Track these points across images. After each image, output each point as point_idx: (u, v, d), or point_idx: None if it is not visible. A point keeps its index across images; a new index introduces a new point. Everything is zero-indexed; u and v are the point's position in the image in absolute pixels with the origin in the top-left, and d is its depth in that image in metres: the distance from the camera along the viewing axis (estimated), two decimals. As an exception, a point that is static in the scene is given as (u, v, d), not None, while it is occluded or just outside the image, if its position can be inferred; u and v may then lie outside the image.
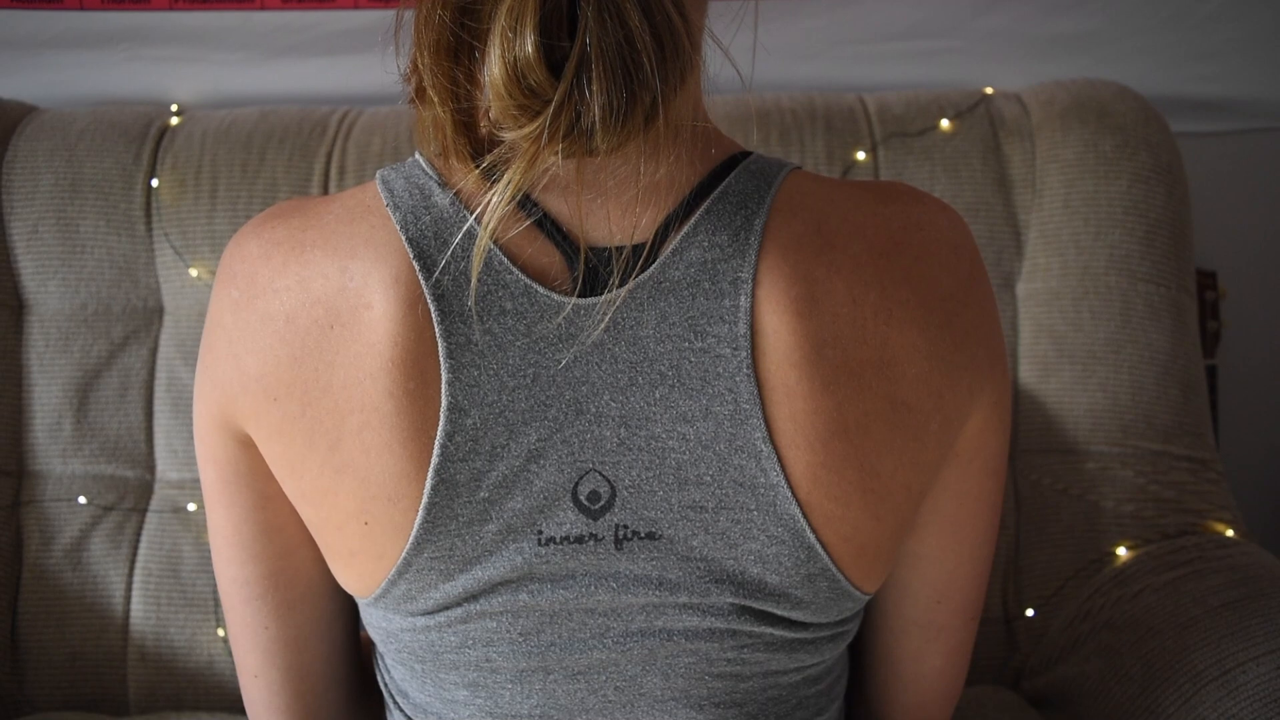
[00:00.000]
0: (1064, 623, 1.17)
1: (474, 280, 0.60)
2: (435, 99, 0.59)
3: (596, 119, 0.55)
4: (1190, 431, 1.23)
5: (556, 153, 0.55)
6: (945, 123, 1.29)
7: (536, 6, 0.54)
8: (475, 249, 0.60)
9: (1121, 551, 1.18)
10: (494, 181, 0.58)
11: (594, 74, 0.54)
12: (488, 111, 0.58)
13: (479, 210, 0.60)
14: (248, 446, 0.67)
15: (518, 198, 0.60)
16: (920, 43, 1.42)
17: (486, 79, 0.56)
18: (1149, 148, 1.26)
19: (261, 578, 0.71)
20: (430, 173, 0.64)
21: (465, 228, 0.61)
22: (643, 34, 0.54)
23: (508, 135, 0.57)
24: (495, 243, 0.61)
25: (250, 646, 0.73)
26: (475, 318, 0.61)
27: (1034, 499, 1.24)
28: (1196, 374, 1.26)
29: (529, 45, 0.54)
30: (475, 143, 0.61)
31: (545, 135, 0.55)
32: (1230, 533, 1.19)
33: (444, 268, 0.61)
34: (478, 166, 0.60)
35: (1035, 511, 1.23)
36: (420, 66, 0.60)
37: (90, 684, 1.21)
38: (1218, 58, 1.44)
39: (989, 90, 1.34)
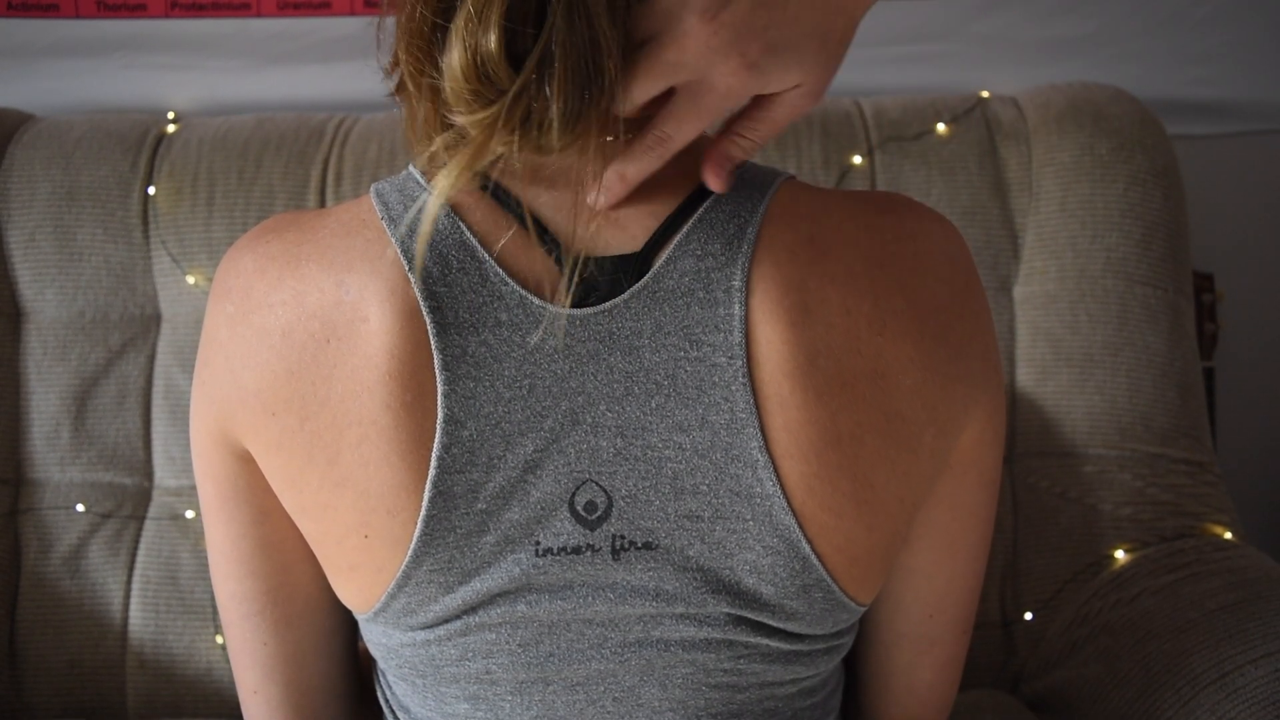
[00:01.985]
0: (1062, 626, 1.17)
1: (421, 248, 0.60)
2: (413, 89, 0.60)
3: (554, 117, 0.55)
4: (1188, 434, 1.23)
5: (508, 143, 0.56)
6: (941, 127, 1.29)
7: None
8: (419, 237, 0.60)
9: (1119, 555, 1.18)
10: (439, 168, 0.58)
11: (555, 73, 0.54)
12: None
13: (414, 209, 0.61)
14: (246, 462, 0.67)
15: (498, 187, 0.61)
16: (916, 47, 1.42)
17: (444, 63, 0.56)
18: (1145, 151, 1.26)
19: (260, 593, 0.71)
20: (423, 183, 0.64)
21: (419, 204, 0.61)
22: (610, 41, 0.54)
23: (458, 119, 0.57)
24: (489, 253, 0.61)
25: (249, 662, 0.73)
26: (471, 329, 0.61)
27: (1032, 502, 1.24)
28: (1194, 376, 1.26)
29: (492, 36, 0.54)
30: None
31: (501, 123, 0.55)
32: (1228, 535, 1.19)
33: (440, 279, 0.61)
34: (425, 152, 0.60)
35: (1033, 515, 1.23)
36: (400, 58, 0.60)
37: (89, 691, 1.21)
38: (1213, 61, 1.45)
39: (985, 94, 1.34)
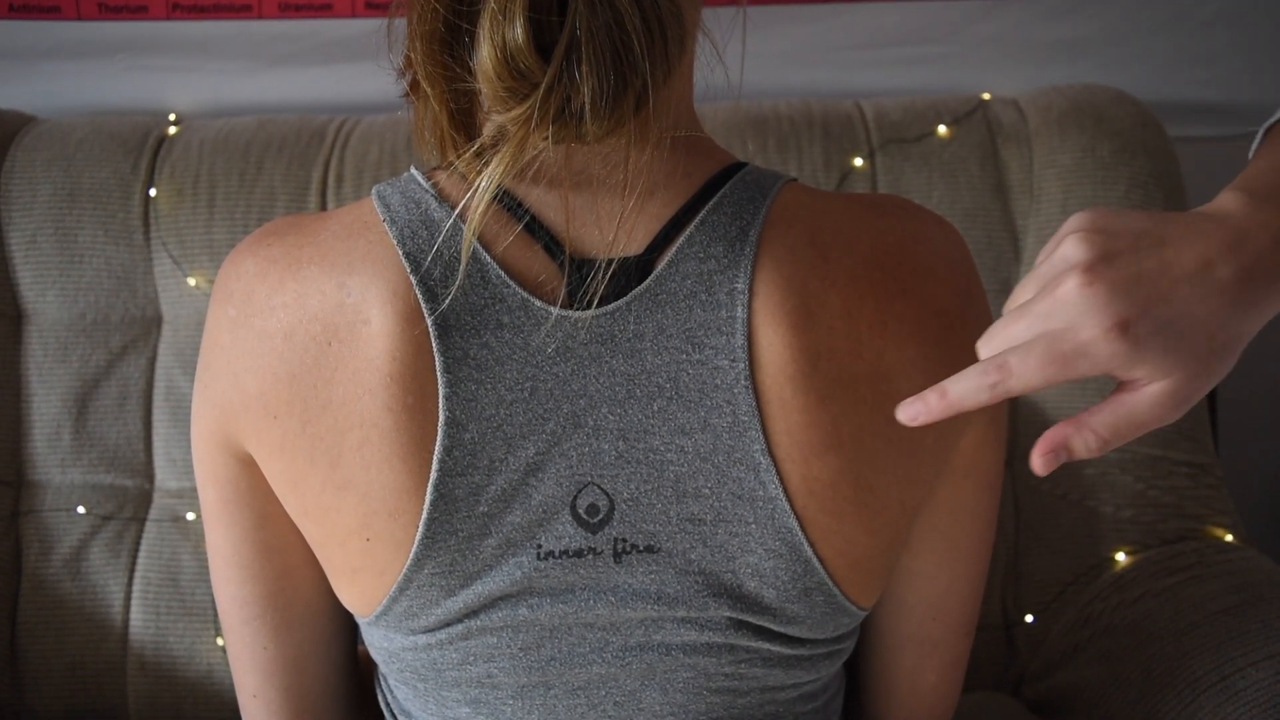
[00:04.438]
0: (1064, 629, 1.17)
1: (462, 269, 0.60)
2: (429, 90, 0.59)
3: (586, 103, 0.55)
4: (1189, 436, 1.23)
5: (546, 137, 0.55)
6: (943, 128, 1.29)
7: None
8: (464, 241, 0.60)
9: (1121, 557, 1.18)
10: (484, 166, 0.58)
11: (583, 57, 0.54)
12: (481, 98, 0.58)
13: (462, 204, 0.60)
14: (248, 465, 0.67)
15: (501, 190, 0.60)
16: (917, 48, 1.42)
17: (476, 63, 0.56)
18: (1146, 152, 1.26)
19: (260, 597, 0.71)
20: (425, 186, 0.64)
21: (450, 221, 0.61)
22: (632, 18, 0.54)
23: (497, 118, 0.57)
24: (492, 256, 0.61)
25: (249, 666, 0.73)
26: (472, 331, 0.61)
27: (1033, 505, 1.23)
28: (1195, 378, 1.25)
29: (518, 29, 0.54)
30: (471, 131, 0.61)
31: (535, 118, 0.55)
32: (1229, 538, 1.19)
33: (441, 281, 0.61)
34: (467, 151, 0.60)
35: (1034, 517, 1.23)
36: (414, 59, 0.60)
37: (90, 694, 1.21)
38: (1215, 62, 1.44)
39: (986, 96, 1.34)
